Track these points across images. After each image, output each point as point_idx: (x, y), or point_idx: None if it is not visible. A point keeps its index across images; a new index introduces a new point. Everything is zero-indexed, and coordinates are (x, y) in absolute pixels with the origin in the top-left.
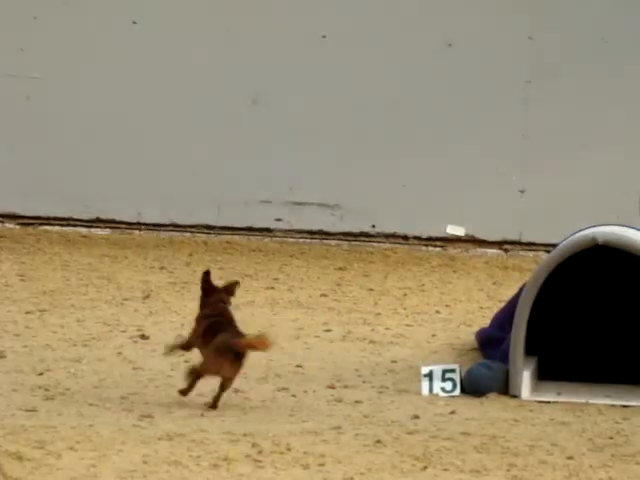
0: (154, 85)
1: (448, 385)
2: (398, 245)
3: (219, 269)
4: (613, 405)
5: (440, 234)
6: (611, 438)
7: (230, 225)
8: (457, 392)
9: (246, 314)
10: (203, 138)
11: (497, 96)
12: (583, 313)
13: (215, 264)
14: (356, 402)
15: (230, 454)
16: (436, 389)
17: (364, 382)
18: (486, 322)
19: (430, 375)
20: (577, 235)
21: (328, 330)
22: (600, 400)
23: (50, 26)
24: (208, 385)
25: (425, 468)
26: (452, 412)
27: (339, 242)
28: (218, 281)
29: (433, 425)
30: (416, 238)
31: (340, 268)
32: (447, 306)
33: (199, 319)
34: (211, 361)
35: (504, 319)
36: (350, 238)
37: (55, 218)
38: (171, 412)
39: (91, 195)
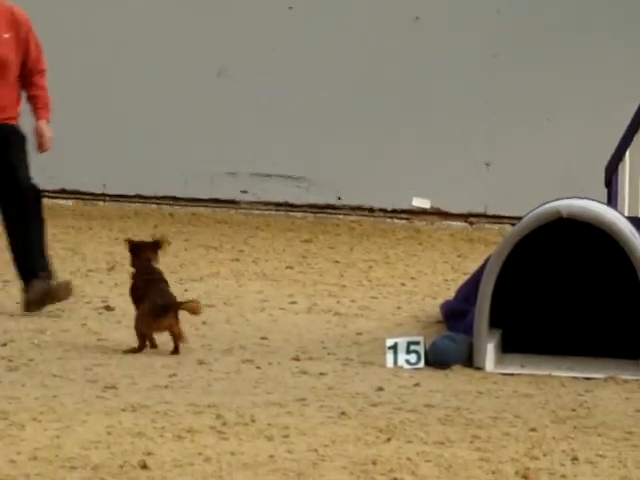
0: (120, 56)
1: (412, 357)
2: (364, 217)
3: (184, 240)
4: (576, 377)
5: (406, 206)
6: (574, 410)
7: (196, 197)
8: (421, 364)
9: (211, 286)
10: (169, 110)
11: (464, 69)
12: (547, 286)
13: (181, 235)
14: (321, 374)
15: (194, 425)
16: (400, 361)
17: (329, 354)
18: (451, 294)
19: (395, 347)
20: (542, 208)
21: (293, 302)
22: (563, 372)
23: None
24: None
25: (389, 440)
26: (416, 384)
27: (305, 214)
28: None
29: (397, 397)
30: (382, 210)
31: (306, 240)
32: (412, 278)
33: (130, 278)
34: (144, 322)
35: (469, 292)
36: (316, 210)
37: None
38: (135, 383)
39: (56, 166)
